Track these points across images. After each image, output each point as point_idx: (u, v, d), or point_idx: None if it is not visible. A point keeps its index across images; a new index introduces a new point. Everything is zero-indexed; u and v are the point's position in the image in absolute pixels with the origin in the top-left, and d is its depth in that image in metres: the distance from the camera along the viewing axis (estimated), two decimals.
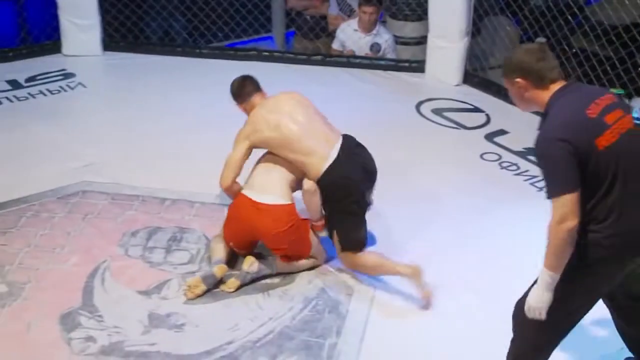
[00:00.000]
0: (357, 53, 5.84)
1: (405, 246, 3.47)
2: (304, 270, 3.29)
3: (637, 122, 4.66)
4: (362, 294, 3.18)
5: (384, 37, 5.87)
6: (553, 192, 2.23)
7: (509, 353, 2.53)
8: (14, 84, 5.23)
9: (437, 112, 5.05)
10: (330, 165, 3.16)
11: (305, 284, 3.25)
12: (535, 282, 2.35)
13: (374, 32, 5.83)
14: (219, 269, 3.17)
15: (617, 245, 2.29)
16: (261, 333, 2.98)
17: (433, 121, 4.83)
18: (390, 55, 5.87)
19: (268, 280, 3.24)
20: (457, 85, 5.50)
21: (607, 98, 2.34)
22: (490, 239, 3.59)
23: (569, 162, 2.20)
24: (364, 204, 3.22)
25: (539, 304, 2.31)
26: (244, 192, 3.25)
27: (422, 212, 3.77)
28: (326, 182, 3.15)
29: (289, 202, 3.19)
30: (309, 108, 3.35)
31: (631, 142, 2.31)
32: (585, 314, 2.43)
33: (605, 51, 4.92)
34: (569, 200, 2.20)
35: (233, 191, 3.33)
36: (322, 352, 2.90)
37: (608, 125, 2.28)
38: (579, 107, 2.28)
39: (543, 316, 2.32)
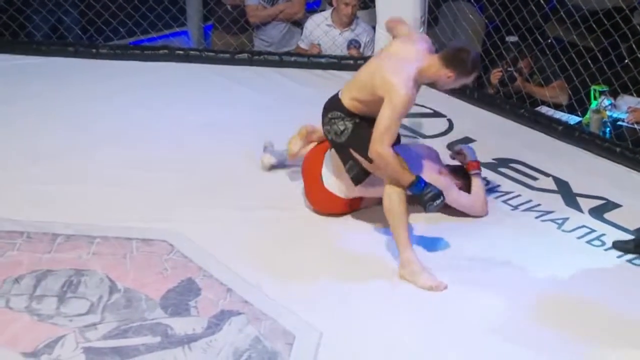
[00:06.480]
0: (333, 53, 5.78)
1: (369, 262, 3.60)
2: None
3: (623, 124, 4.86)
4: (305, 343, 3.18)
5: (364, 32, 5.83)
6: None
7: None
8: None
9: None
10: None
11: (235, 333, 3.23)
12: None
13: (352, 26, 5.81)
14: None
15: None
16: None
17: None
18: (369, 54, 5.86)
19: (189, 331, 3.22)
20: None
21: None
22: (454, 269, 3.62)
23: None
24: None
25: None
26: None
27: (373, 234, 3.85)
28: None
29: None
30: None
31: None
32: None
33: (585, 41, 5.06)
34: None
35: None
36: None
37: None
38: None
39: None
